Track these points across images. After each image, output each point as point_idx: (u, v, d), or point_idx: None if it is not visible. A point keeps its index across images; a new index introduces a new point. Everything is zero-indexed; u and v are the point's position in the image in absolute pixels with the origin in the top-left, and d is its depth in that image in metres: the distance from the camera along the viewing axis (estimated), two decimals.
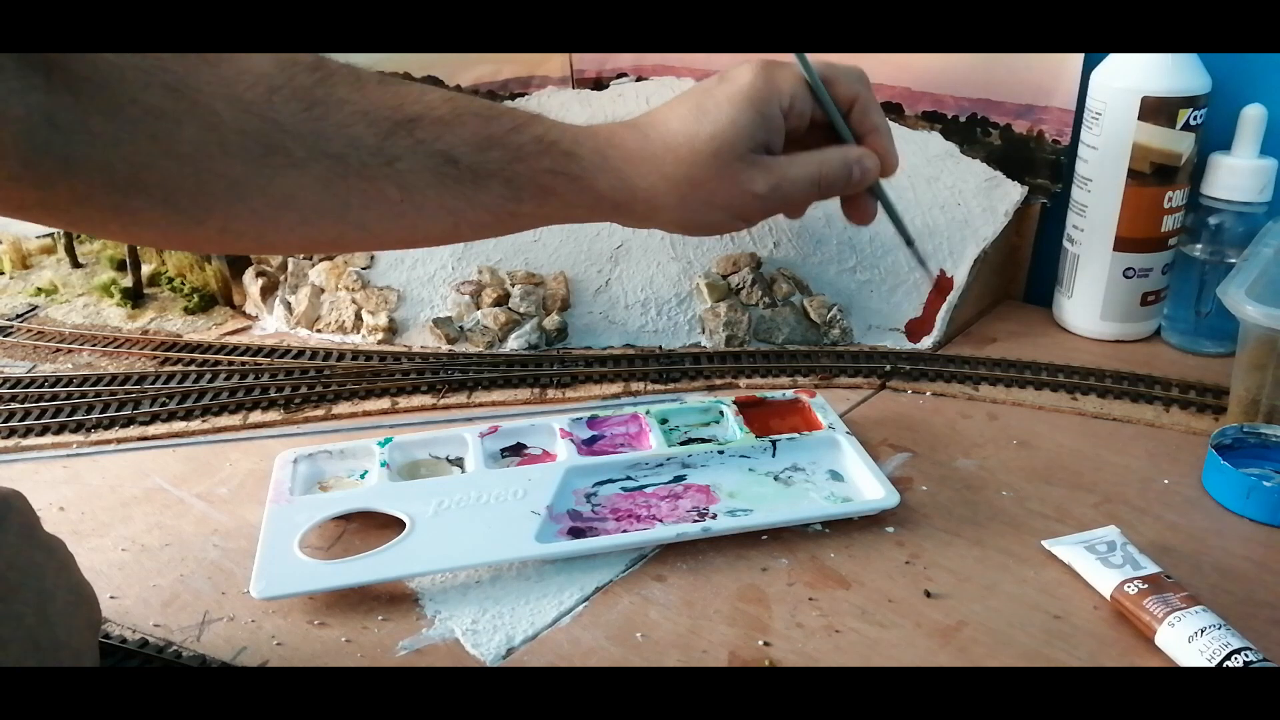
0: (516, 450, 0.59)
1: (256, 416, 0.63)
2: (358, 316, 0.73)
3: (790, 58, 0.46)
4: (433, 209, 0.43)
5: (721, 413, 0.61)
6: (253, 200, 0.40)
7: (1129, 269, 0.70)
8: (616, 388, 0.66)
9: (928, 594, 0.47)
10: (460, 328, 0.72)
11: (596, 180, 0.44)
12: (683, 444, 0.58)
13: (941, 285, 0.73)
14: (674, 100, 0.46)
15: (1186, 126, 0.66)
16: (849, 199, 0.49)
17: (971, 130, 0.78)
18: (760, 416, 0.60)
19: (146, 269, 0.83)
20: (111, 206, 0.38)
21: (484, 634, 0.45)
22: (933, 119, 0.80)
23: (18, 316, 0.79)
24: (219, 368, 0.69)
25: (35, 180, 0.37)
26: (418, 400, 0.65)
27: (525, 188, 0.44)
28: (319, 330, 0.74)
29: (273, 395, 0.65)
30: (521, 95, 0.88)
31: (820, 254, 0.73)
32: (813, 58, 0.46)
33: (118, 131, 0.37)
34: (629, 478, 0.55)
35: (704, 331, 0.72)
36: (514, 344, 0.71)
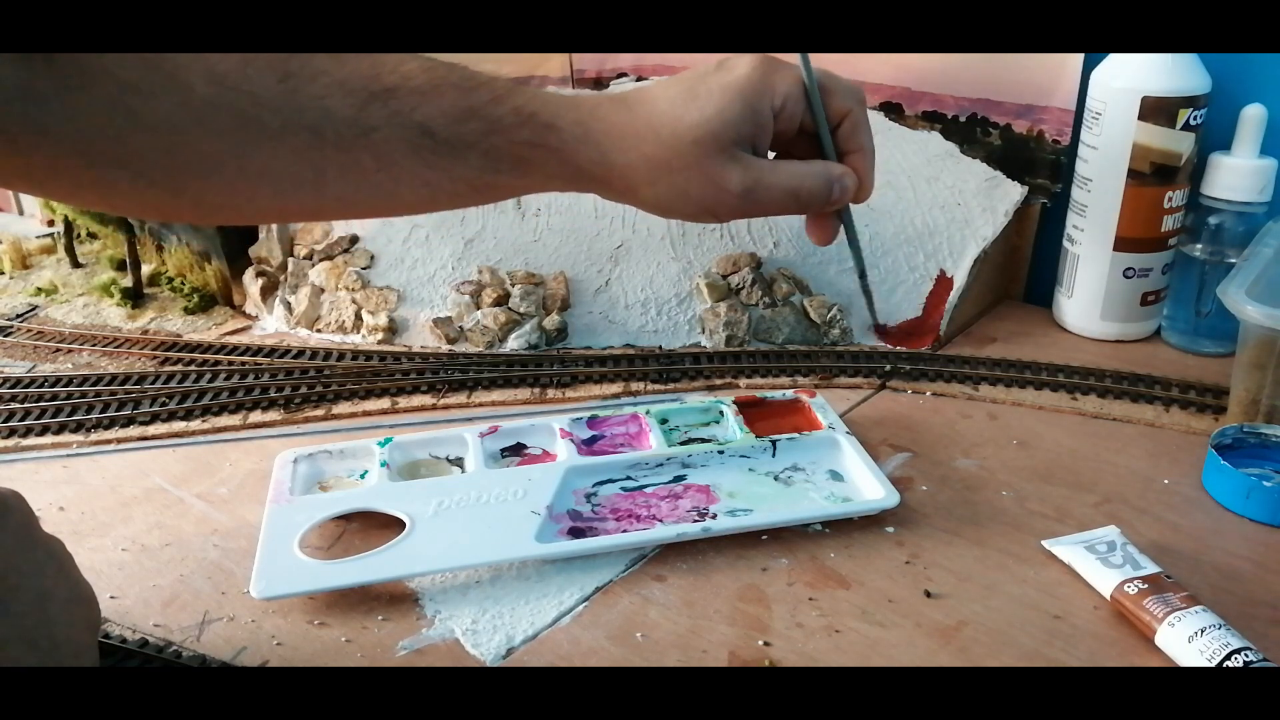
0: (516, 450, 0.59)
1: (256, 416, 0.63)
2: (358, 316, 0.73)
3: (794, 58, 0.45)
4: (409, 180, 0.42)
5: (721, 413, 0.61)
6: (228, 173, 0.40)
7: (1129, 269, 0.70)
8: (616, 388, 0.66)
9: (928, 594, 0.47)
10: (460, 328, 0.72)
11: (576, 153, 0.44)
12: (683, 444, 0.58)
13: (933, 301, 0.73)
14: (668, 80, 0.45)
15: (1186, 126, 0.66)
16: (815, 217, 0.48)
17: (971, 130, 0.78)
18: (760, 416, 0.60)
19: (146, 269, 0.83)
20: (87, 177, 0.38)
21: (484, 634, 0.45)
22: (933, 119, 0.80)
23: (18, 316, 0.79)
24: (219, 368, 0.69)
25: (10, 150, 0.37)
26: (418, 400, 0.65)
27: (503, 159, 0.43)
28: (319, 330, 0.74)
29: (273, 395, 0.65)
30: None
31: (820, 254, 0.73)
32: (815, 66, 0.46)
33: (92, 104, 0.37)
34: (629, 478, 0.55)
35: (704, 331, 0.72)
36: (514, 344, 0.71)
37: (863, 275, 0.51)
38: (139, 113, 0.38)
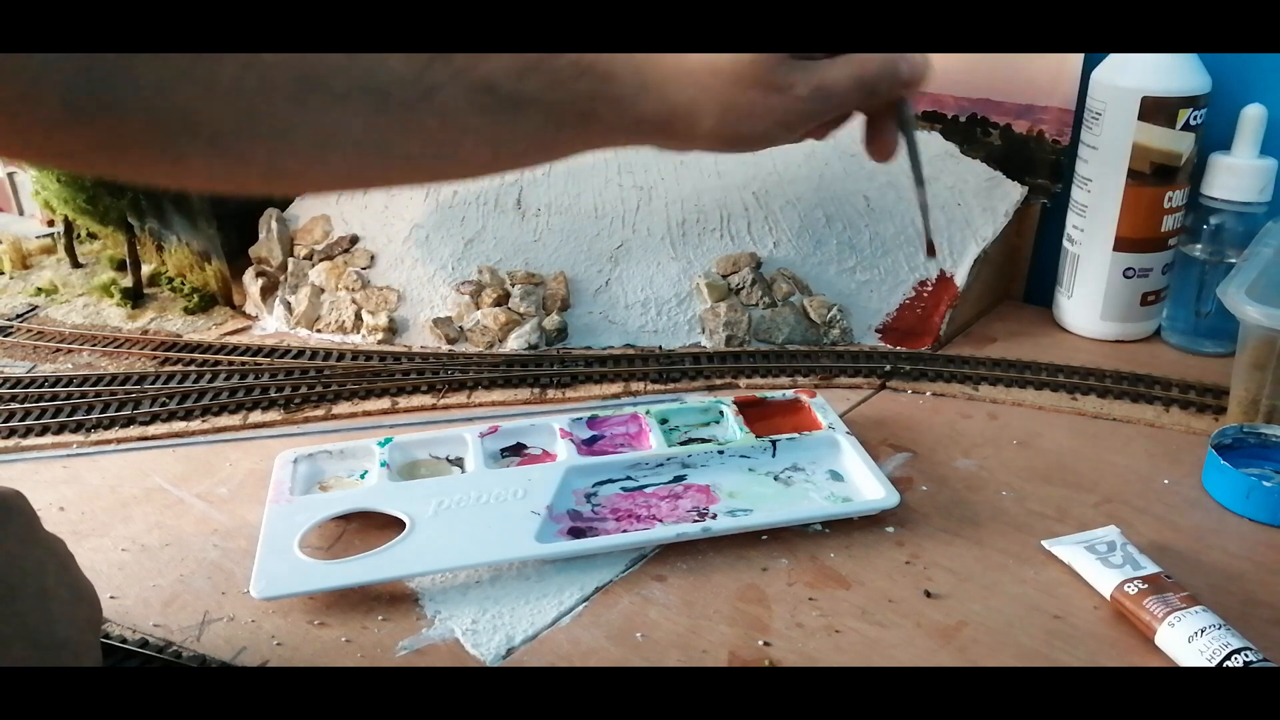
0: (516, 450, 0.59)
1: (256, 416, 0.63)
2: (358, 316, 0.73)
3: None
4: (473, 140, 0.42)
5: (721, 413, 0.61)
6: (296, 138, 0.40)
7: (1129, 269, 0.71)
8: (616, 388, 0.66)
9: (928, 594, 0.47)
10: (460, 328, 0.72)
11: (636, 100, 0.43)
12: (683, 444, 0.58)
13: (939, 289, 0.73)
14: None
15: (1186, 126, 0.66)
16: (875, 127, 0.47)
17: (971, 130, 0.78)
18: (760, 416, 0.60)
19: (146, 269, 0.83)
20: (157, 149, 0.38)
21: (484, 634, 0.45)
22: (933, 119, 0.80)
23: (18, 316, 0.79)
24: (219, 368, 0.69)
25: (78, 125, 0.36)
26: (418, 400, 0.65)
27: (566, 114, 0.43)
28: (319, 330, 0.74)
29: (273, 395, 0.65)
30: None
31: (820, 254, 0.73)
32: None
33: (157, 72, 0.37)
34: (629, 478, 0.55)
35: (704, 331, 0.72)
36: (514, 344, 0.71)
37: (920, 184, 0.48)
38: (204, 79, 0.37)
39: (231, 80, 0.38)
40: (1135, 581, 0.45)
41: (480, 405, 0.65)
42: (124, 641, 0.44)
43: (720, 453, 0.56)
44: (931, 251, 0.54)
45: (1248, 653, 0.40)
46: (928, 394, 0.66)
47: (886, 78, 0.44)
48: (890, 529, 0.51)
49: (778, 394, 0.63)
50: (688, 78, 0.43)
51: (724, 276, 0.72)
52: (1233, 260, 0.65)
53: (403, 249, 0.75)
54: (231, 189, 0.46)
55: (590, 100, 0.43)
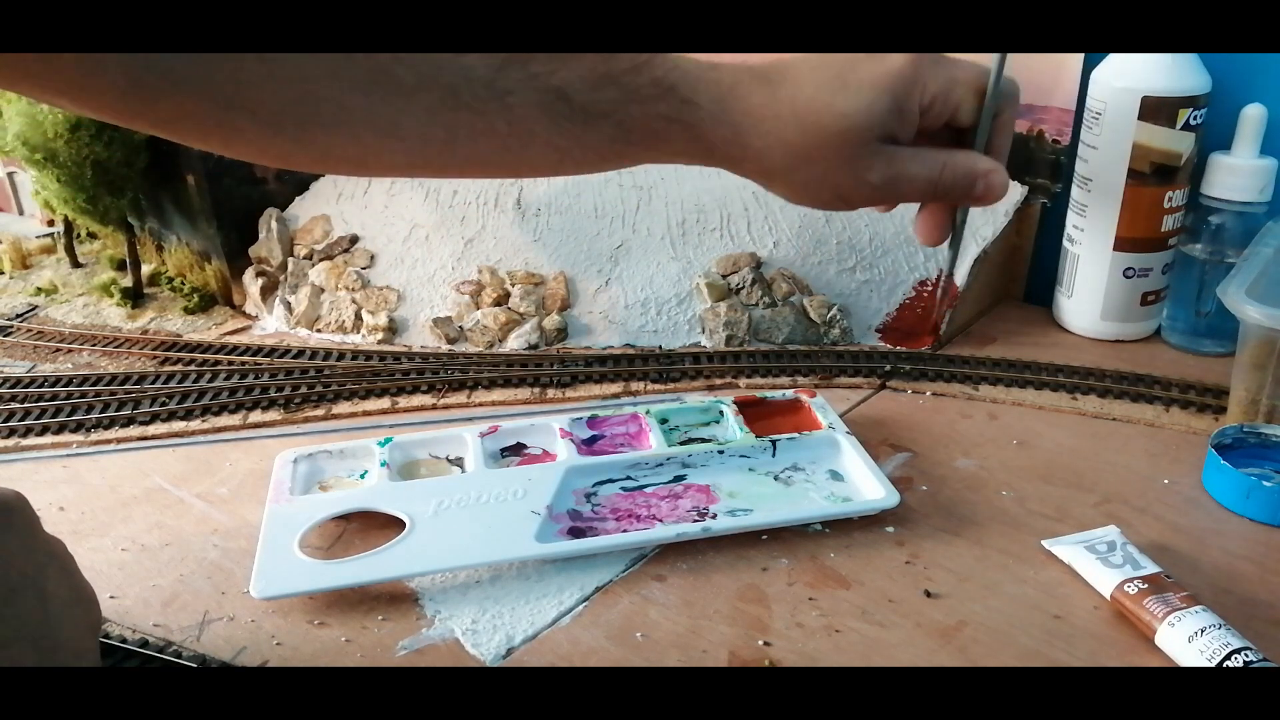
0: (516, 450, 0.59)
1: (256, 416, 0.63)
2: (358, 316, 0.73)
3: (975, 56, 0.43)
4: (540, 145, 0.42)
5: (721, 412, 0.61)
6: (358, 126, 0.39)
7: (1129, 269, 0.70)
8: (616, 388, 0.66)
9: (928, 594, 0.47)
10: (460, 328, 0.72)
11: (712, 131, 0.42)
12: (683, 444, 0.58)
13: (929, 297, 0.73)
14: (816, 60, 0.43)
15: (1186, 126, 0.66)
16: (931, 216, 0.46)
17: None
18: (760, 416, 0.60)
19: (146, 269, 0.83)
20: (214, 123, 0.38)
21: (484, 634, 0.45)
22: None
23: (18, 316, 0.79)
24: (219, 368, 0.69)
25: (139, 94, 0.36)
26: (418, 400, 0.65)
27: (636, 131, 0.42)
28: (319, 330, 0.74)
29: (273, 395, 0.65)
30: None
31: (820, 254, 0.73)
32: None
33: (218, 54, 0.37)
34: (629, 478, 0.55)
35: (704, 331, 0.72)
36: (514, 344, 0.71)
37: (950, 274, 0.49)
38: (269, 61, 0.37)
39: (296, 64, 0.37)
40: (1135, 581, 0.45)
41: (480, 405, 0.65)
42: (124, 641, 0.44)
43: (720, 452, 0.56)
44: (936, 329, 0.54)
45: (1248, 653, 0.40)
46: (928, 394, 0.66)
47: (960, 190, 0.43)
48: (890, 529, 0.51)
49: (778, 394, 0.63)
50: (771, 122, 0.42)
51: (724, 276, 0.72)
52: (1233, 260, 0.65)
53: (403, 249, 0.75)
54: (285, 165, 0.46)
55: (665, 121, 0.42)
